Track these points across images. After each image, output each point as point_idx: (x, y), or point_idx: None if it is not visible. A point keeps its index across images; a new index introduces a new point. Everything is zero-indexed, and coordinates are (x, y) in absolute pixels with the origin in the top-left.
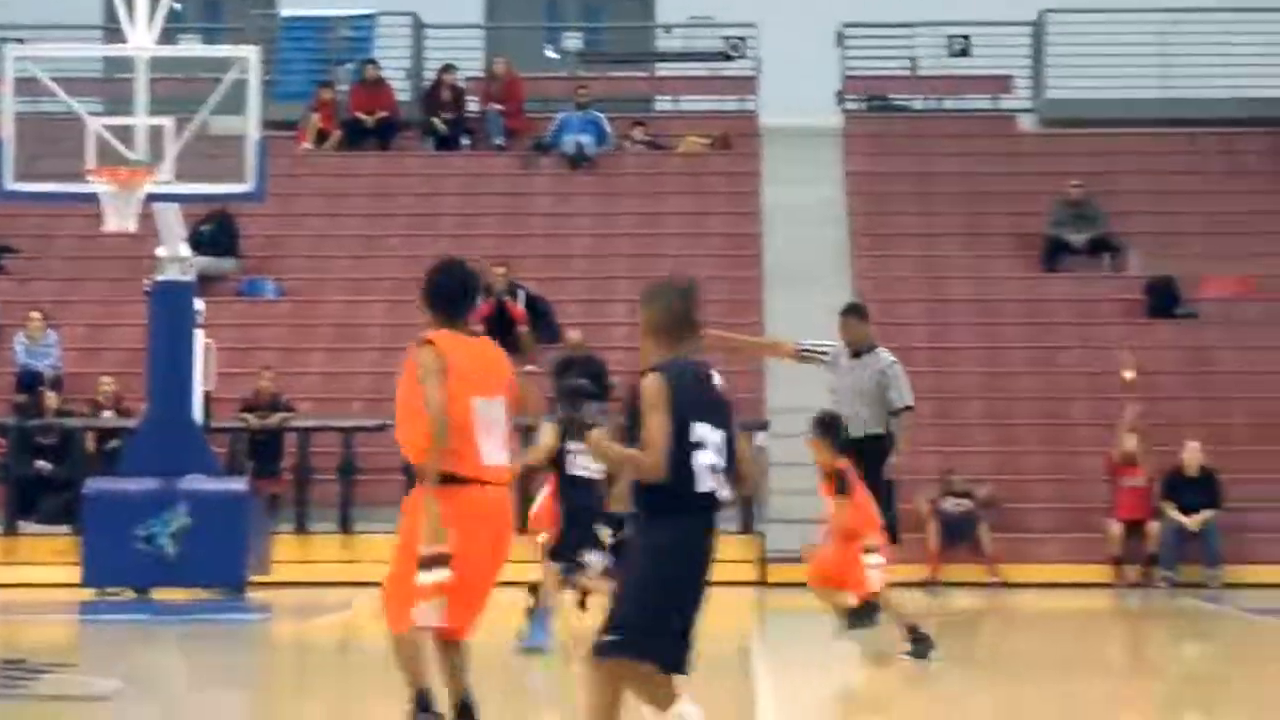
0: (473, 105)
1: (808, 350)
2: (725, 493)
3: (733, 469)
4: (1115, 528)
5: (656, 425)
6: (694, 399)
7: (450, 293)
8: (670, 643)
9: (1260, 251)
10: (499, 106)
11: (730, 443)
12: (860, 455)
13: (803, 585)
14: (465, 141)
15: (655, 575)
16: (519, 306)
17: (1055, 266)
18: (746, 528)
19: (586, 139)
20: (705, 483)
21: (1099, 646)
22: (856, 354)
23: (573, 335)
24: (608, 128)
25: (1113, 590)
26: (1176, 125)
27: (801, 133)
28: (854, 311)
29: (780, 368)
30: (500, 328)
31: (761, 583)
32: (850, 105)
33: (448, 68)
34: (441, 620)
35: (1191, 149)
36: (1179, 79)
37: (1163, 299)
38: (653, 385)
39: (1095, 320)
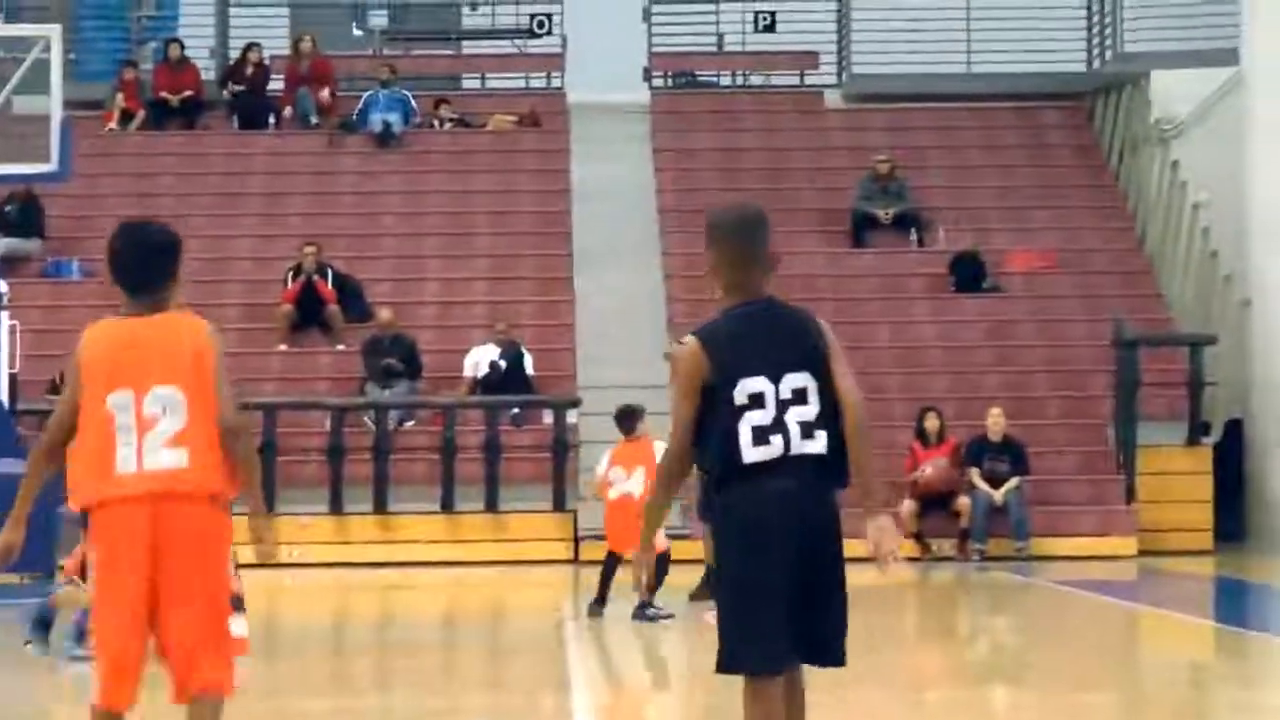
0: (277, 84)
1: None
2: (806, 445)
3: (826, 410)
4: (909, 506)
5: (676, 405)
6: (748, 349)
7: (123, 261)
8: (755, 645)
9: (1061, 225)
10: (306, 86)
11: (820, 385)
12: None
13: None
14: (271, 121)
15: (726, 575)
16: (328, 286)
17: (862, 242)
18: (559, 506)
19: (393, 117)
20: (751, 452)
21: (900, 620)
22: None
23: (383, 314)
24: (415, 106)
25: (918, 565)
26: (979, 100)
27: (609, 110)
28: None
29: (591, 344)
30: (310, 307)
31: (575, 560)
32: (657, 82)
33: (251, 46)
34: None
35: (993, 124)
36: (981, 54)
37: (968, 273)
38: (681, 357)
39: (902, 295)
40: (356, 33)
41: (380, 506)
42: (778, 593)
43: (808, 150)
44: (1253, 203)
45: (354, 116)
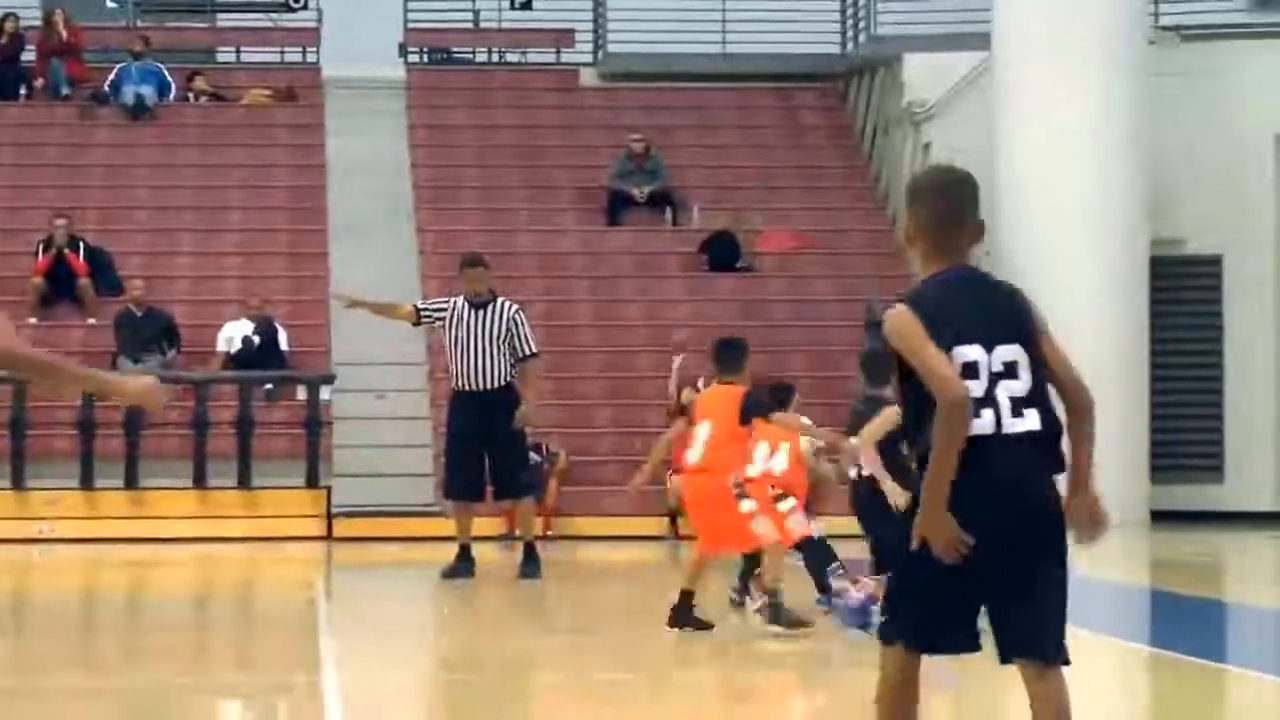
0: (29, 55)
1: (423, 311)
2: (1016, 424)
3: (1040, 384)
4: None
5: (931, 354)
6: (961, 316)
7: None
8: (914, 620)
9: (816, 206)
10: (59, 57)
11: (1030, 359)
12: (484, 406)
13: (370, 539)
14: (22, 91)
15: (914, 549)
16: (79, 259)
17: (617, 220)
18: (312, 482)
19: (147, 90)
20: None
21: (658, 597)
22: (479, 305)
23: (135, 288)
24: (169, 79)
25: (672, 543)
26: (734, 80)
27: (364, 85)
28: (478, 263)
29: (345, 320)
30: (61, 281)
31: (328, 537)
32: (413, 58)
33: (8, 16)
34: None
35: (747, 104)
36: (739, 34)
37: (722, 253)
38: (900, 321)
39: (657, 274)
40: (110, 4)
41: (131, 482)
42: (967, 575)
43: (563, 128)
44: (1001, 184)
45: (106, 88)
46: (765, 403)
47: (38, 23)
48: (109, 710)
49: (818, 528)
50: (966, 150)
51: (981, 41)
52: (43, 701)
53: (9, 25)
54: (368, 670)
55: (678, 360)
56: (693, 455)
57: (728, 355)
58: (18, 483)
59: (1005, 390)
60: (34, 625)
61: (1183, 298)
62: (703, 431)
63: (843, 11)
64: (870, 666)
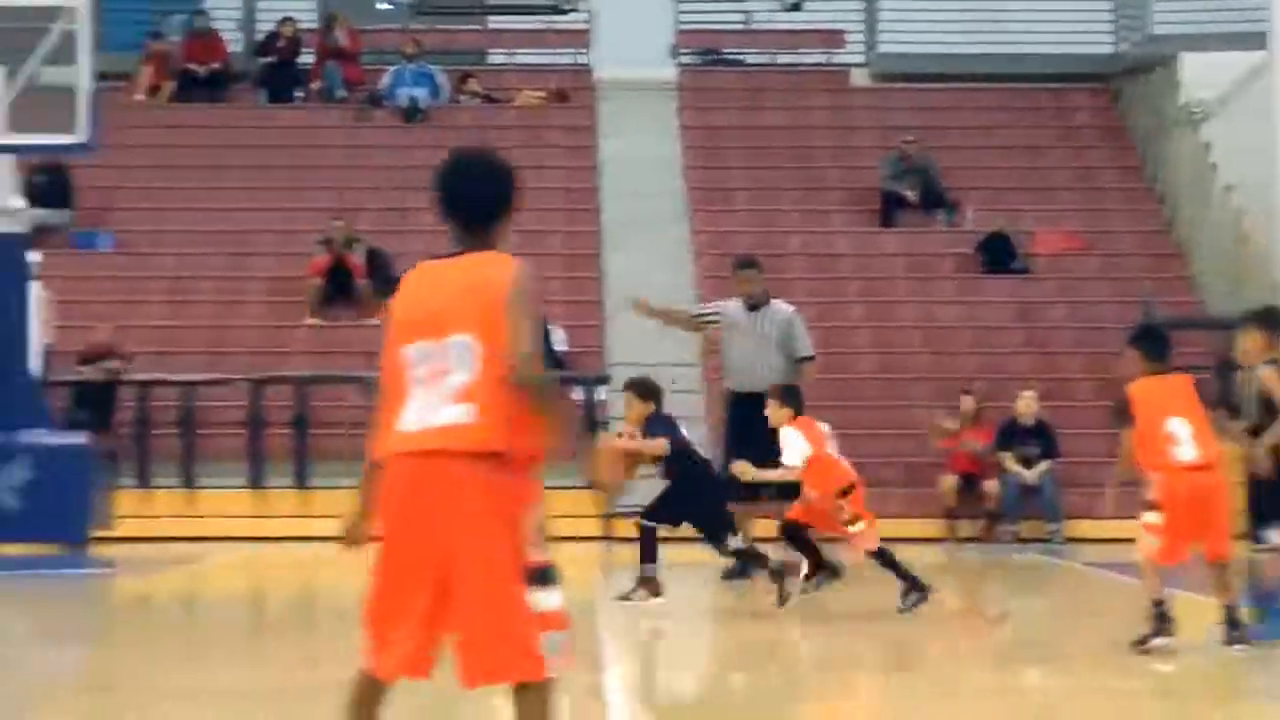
0: (307, 57)
1: (700, 316)
2: None
3: None
4: (950, 480)
5: None
6: None
7: (447, 193)
8: None
9: (1089, 207)
10: (335, 60)
11: None
12: (760, 408)
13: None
14: (299, 94)
15: None
16: (358, 260)
17: (890, 222)
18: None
19: (420, 92)
20: None
21: (934, 599)
22: (754, 307)
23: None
24: (441, 81)
25: (946, 545)
26: (1007, 81)
27: (636, 86)
28: (751, 265)
29: (620, 321)
30: (339, 281)
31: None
32: (685, 59)
33: (285, 20)
34: (368, 661)
35: (1018, 104)
36: (1010, 35)
37: (997, 254)
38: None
39: (930, 275)
40: (385, 6)
41: (302, 479)
42: None
43: (834, 129)
44: None
45: (380, 91)
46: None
47: (314, 26)
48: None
49: None
50: (1246, 150)
51: (1259, 40)
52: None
53: (286, 29)
54: (648, 670)
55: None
56: (1187, 452)
57: (1158, 344)
58: (187, 482)
59: None
60: (203, 623)
61: None
62: (1179, 427)
63: (1116, 11)
64: None
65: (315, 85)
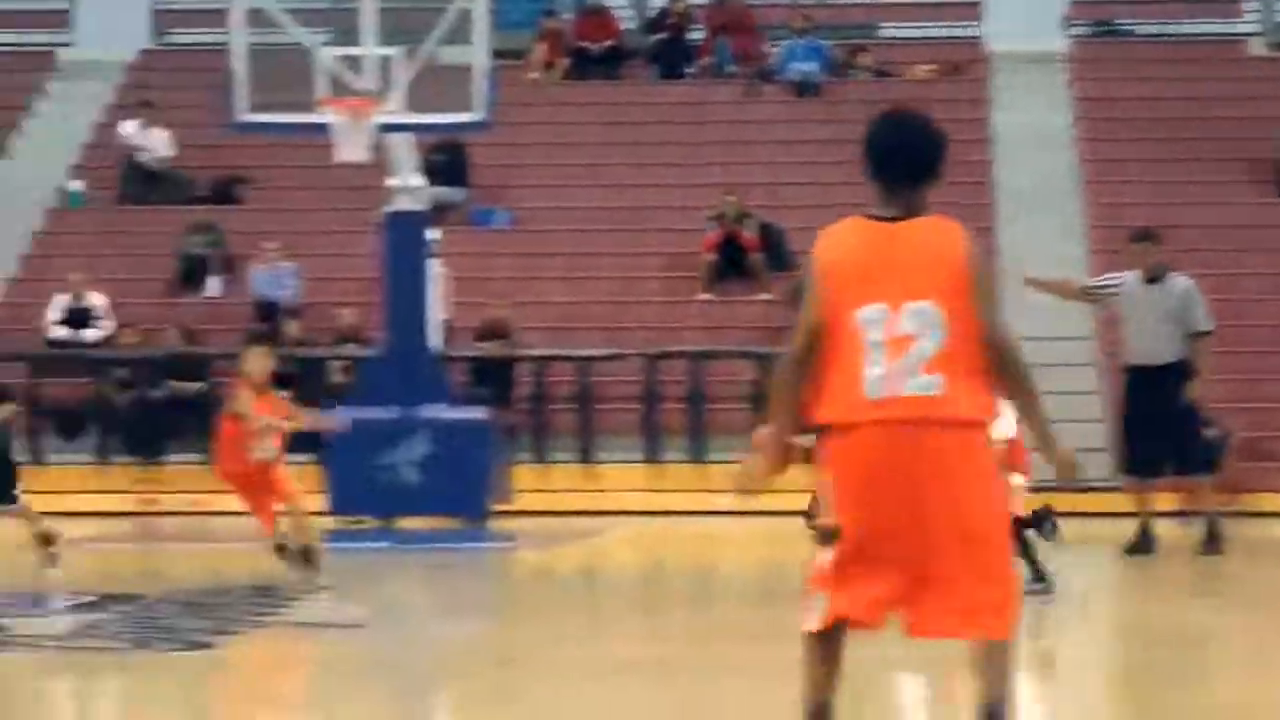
0: (696, 33)
1: (1094, 289)
2: None
3: None
4: None
5: None
6: None
7: (883, 151)
8: None
9: None
10: (726, 34)
11: None
12: (1158, 383)
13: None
14: (690, 70)
15: None
16: (750, 235)
17: None
18: None
19: (811, 67)
20: None
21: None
22: (1152, 280)
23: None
24: (832, 55)
25: None
26: None
27: (1028, 58)
28: (1149, 237)
29: (1010, 295)
30: (732, 257)
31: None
32: (1076, 30)
33: None
34: (824, 616)
35: None
36: None
37: None
38: None
39: None
40: None
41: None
42: None
43: (1230, 99)
44: None
45: (772, 65)
46: None
47: (704, 2)
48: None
49: None
50: None
51: None
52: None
53: (678, 6)
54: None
55: None
56: None
57: None
58: (585, 457)
59: None
60: (603, 596)
61: None
62: None
63: None
64: None
65: (706, 61)
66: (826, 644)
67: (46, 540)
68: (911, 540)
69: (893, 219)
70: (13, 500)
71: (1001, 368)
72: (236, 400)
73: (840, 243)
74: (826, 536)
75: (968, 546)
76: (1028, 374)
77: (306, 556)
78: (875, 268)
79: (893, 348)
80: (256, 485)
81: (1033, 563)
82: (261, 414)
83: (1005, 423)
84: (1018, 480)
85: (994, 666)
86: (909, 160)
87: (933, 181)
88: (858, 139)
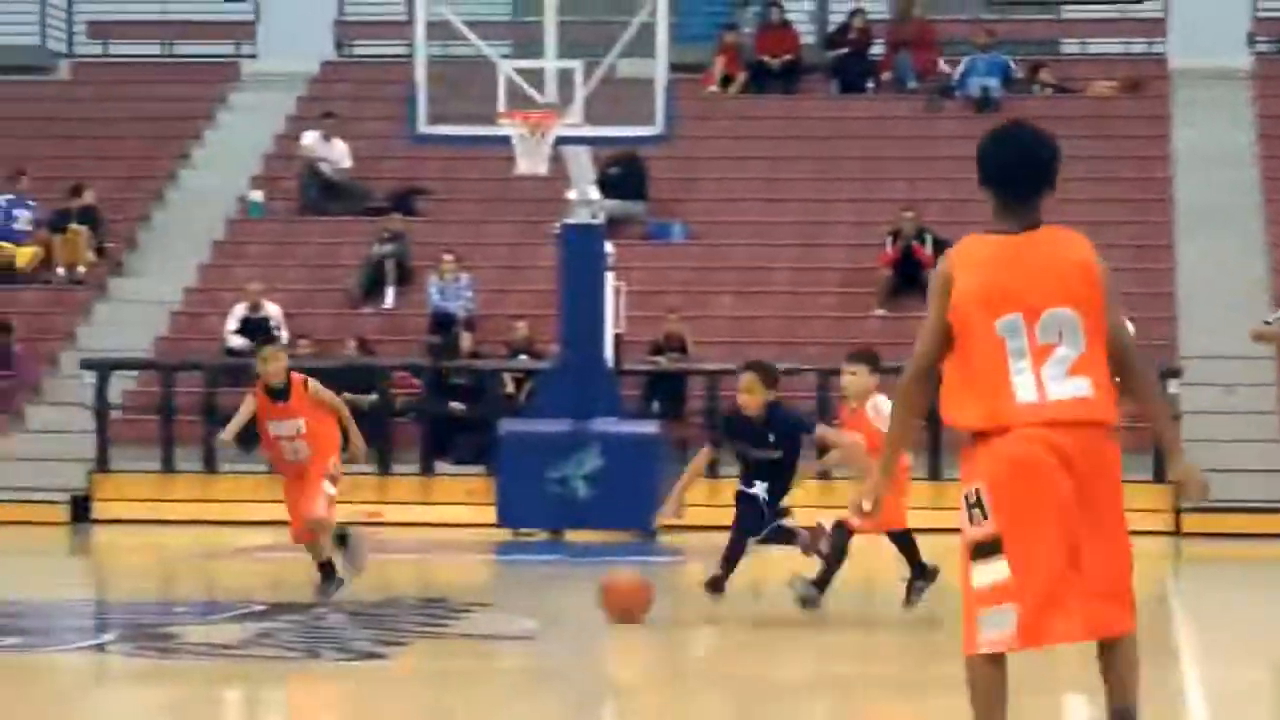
0: (877, 48)
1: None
2: None
3: None
4: None
5: None
6: None
7: (1003, 166)
8: None
9: None
10: (907, 49)
11: None
12: None
13: (1218, 535)
14: (870, 85)
15: None
16: (927, 250)
17: None
18: (1159, 477)
19: (992, 82)
20: None
21: None
22: None
23: None
24: (1013, 71)
25: None
26: None
27: (1210, 75)
28: None
29: (1194, 313)
30: (908, 272)
31: (1175, 532)
32: (1261, 47)
33: (856, 12)
34: (1011, 637)
35: None
36: None
37: None
38: None
39: None
40: None
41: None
42: None
43: None
44: None
45: (953, 80)
46: None
47: (885, 17)
48: None
49: None
50: None
51: None
52: None
53: (858, 21)
54: (1225, 667)
55: None
56: None
57: None
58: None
59: None
60: (770, 612)
61: None
62: None
63: None
64: None
65: (886, 76)
66: (997, 665)
67: None
68: (1065, 540)
69: (1019, 231)
70: None
71: (1129, 372)
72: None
73: (971, 257)
74: (983, 549)
75: (1110, 545)
76: (1156, 379)
77: (325, 569)
78: (1009, 279)
79: (1036, 354)
80: (298, 489)
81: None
82: (269, 420)
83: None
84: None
85: (1125, 664)
86: (1030, 173)
87: (1050, 192)
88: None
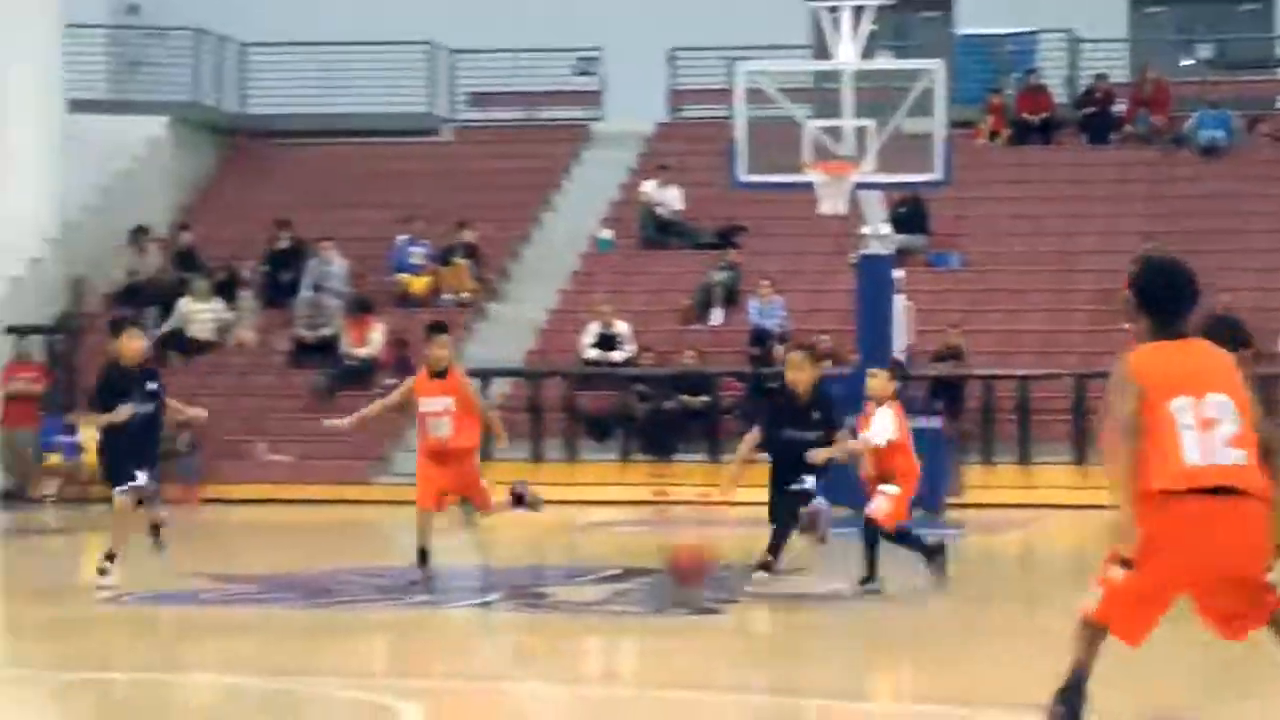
0: (1120, 106)
1: None
2: None
3: None
4: None
5: None
6: None
7: (1160, 294)
8: None
9: None
10: (1145, 107)
11: None
12: None
13: None
14: (1114, 137)
15: None
16: None
17: None
18: None
19: (1218, 133)
20: None
21: None
22: None
23: (1223, 298)
24: (1236, 124)
25: None
26: None
27: None
28: None
29: None
30: None
31: None
32: None
33: (1101, 76)
34: (1101, 613)
35: None
36: None
37: None
38: None
39: None
40: (1186, 61)
41: None
42: None
43: None
44: None
45: (1185, 132)
46: None
47: (1127, 80)
48: None
49: None
50: None
51: None
52: None
53: (1102, 83)
54: None
55: None
56: None
57: None
58: (1023, 459)
59: None
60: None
61: None
62: None
63: None
64: None
65: (1127, 129)
66: (1096, 631)
67: (156, 528)
68: (1206, 579)
69: (1178, 338)
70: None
71: (1265, 455)
72: (402, 386)
73: (1149, 355)
74: (1124, 562)
75: (1255, 594)
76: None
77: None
78: (1179, 370)
79: (1202, 428)
80: (442, 460)
81: (871, 563)
82: (424, 396)
83: (880, 428)
84: (892, 490)
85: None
86: (1188, 296)
87: (1193, 310)
88: (1260, 192)
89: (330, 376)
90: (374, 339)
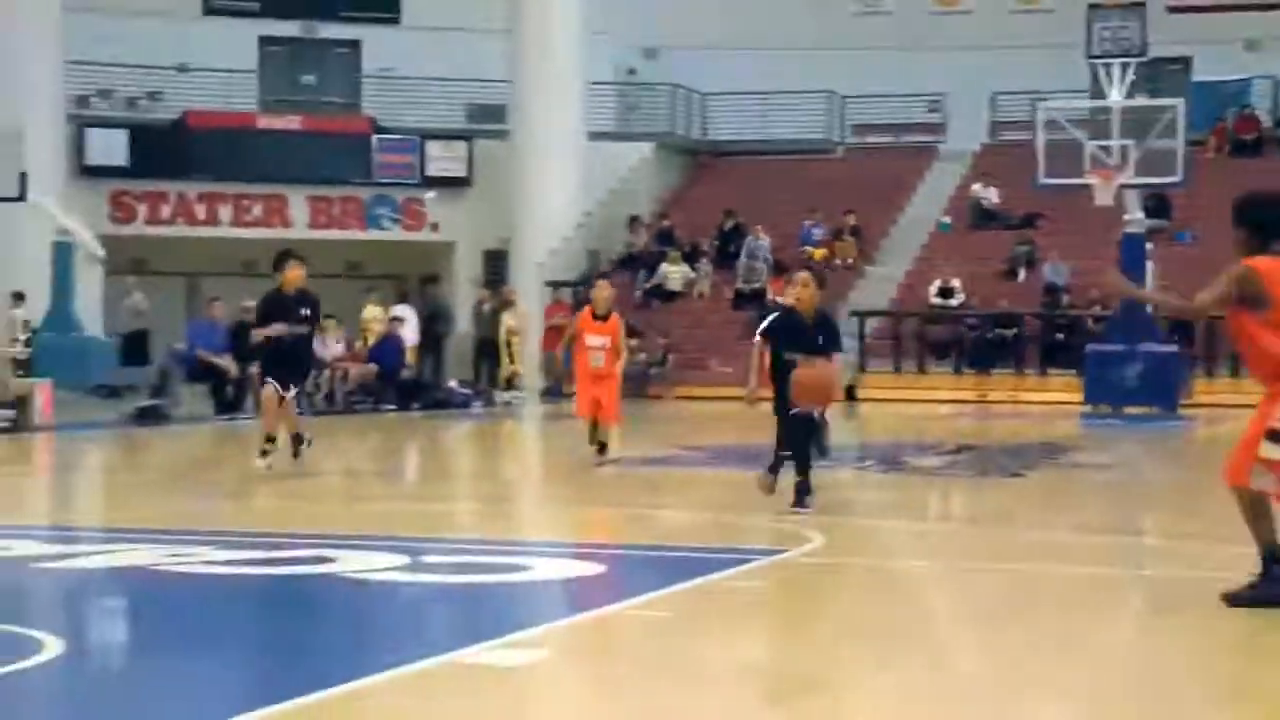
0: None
1: None
2: None
3: None
4: None
5: None
6: None
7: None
8: None
9: None
10: None
11: None
12: None
13: None
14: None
15: None
16: None
17: None
18: None
19: None
20: None
21: None
22: None
23: None
24: None
25: None
26: None
27: None
28: None
29: None
30: None
31: None
32: None
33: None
34: (1275, 488)
35: None
36: None
37: None
38: None
39: None
40: None
41: None
42: None
43: None
44: None
45: None
46: None
47: None
48: None
49: None
50: None
51: None
52: None
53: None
54: None
55: None
56: None
57: None
58: (1234, 372)
59: None
60: None
61: None
62: None
63: None
64: None
65: None
66: (1259, 498)
67: (298, 439)
68: None
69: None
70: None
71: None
72: (571, 322)
73: (1272, 264)
74: (1276, 436)
75: None
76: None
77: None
78: None
79: None
80: (591, 383)
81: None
82: (589, 333)
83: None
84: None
85: None
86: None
87: None
88: None
89: (759, 315)
90: (789, 291)
